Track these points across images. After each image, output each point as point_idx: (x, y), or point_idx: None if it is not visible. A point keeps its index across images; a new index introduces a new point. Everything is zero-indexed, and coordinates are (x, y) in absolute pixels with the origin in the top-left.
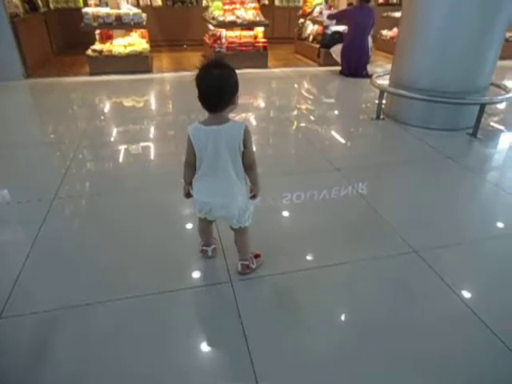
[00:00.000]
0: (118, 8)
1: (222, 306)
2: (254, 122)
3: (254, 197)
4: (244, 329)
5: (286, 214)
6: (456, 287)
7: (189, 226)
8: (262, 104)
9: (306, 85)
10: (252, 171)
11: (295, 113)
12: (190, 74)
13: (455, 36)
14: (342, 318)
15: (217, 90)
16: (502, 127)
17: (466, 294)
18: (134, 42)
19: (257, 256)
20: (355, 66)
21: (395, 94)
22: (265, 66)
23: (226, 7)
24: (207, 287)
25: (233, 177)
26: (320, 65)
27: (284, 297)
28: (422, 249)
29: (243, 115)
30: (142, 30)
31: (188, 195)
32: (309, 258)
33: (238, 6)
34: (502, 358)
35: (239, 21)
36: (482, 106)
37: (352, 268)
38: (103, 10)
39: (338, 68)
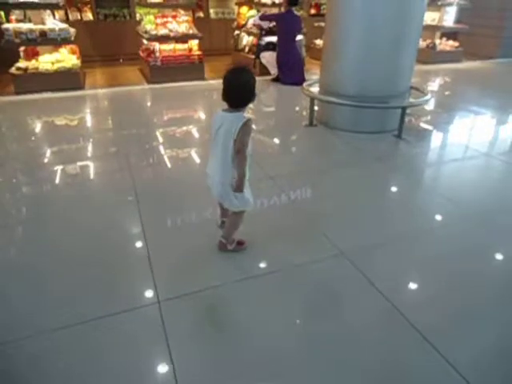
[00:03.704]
0: (43, 23)
1: (148, 329)
2: (192, 134)
3: (236, 189)
4: (170, 350)
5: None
6: (380, 285)
7: (124, 247)
8: (198, 115)
9: None
10: (237, 158)
11: None
12: (126, 89)
13: (373, 45)
14: (273, 331)
15: (238, 92)
16: (424, 127)
17: (391, 292)
18: (62, 58)
19: (240, 243)
20: (300, 69)
21: (323, 100)
22: (201, 78)
23: (158, 21)
24: (133, 311)
25: (224, 158)
26: (257, 75)
27: (212, 313)
28: (349, 250)
29: (184, 128)
30: (72, 46)
31: None
32: (237, 269)
33: (170, 19)
34: (419, 348)
35: (172, 34)
36: (404, 109)
37: (283, 275)
38: (26, 26)
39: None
